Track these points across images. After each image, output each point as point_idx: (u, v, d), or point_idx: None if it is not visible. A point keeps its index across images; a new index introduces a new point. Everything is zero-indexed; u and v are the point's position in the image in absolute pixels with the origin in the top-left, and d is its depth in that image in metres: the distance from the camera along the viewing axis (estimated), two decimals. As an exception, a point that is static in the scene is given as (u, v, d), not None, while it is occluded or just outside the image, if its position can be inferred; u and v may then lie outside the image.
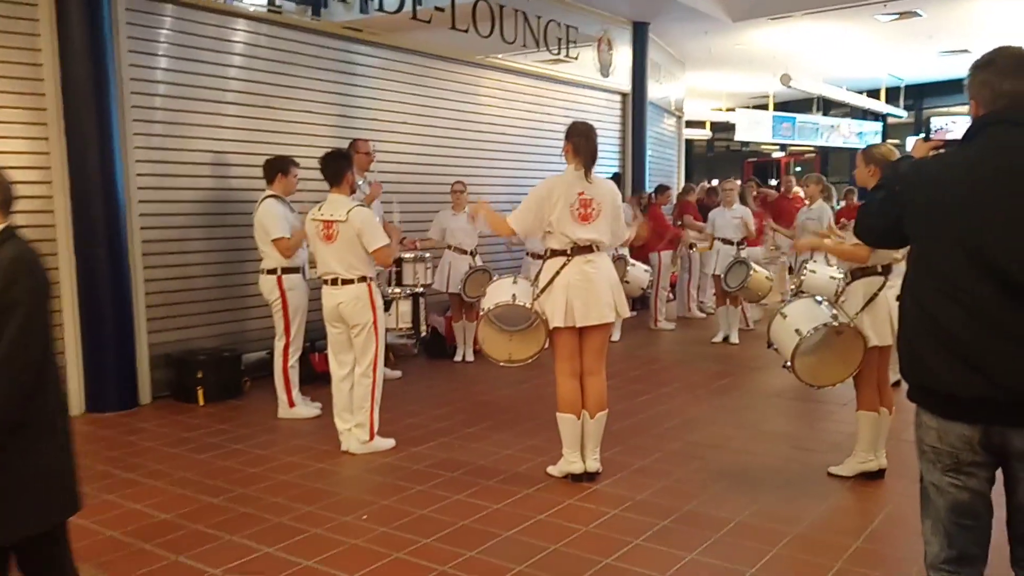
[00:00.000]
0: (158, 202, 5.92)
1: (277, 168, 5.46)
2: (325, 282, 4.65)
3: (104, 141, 5.46)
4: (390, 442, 4.73)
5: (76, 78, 5.36)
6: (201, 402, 5.74)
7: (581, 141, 4.06)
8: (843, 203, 9.29)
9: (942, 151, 2.21)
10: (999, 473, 2.01)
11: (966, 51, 12.81)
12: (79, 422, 5.42)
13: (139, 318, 5.75)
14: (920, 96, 18.12)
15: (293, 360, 5.45)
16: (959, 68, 14.67)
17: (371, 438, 4.65)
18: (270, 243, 5.30)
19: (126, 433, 5.10)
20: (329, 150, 4.84)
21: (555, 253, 4.08)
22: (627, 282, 7.03)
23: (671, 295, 9.71)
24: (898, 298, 2.15)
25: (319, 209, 4.62)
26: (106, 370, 5.56)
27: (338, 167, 4.63)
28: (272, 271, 5.36)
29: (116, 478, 4.26)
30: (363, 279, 4.59)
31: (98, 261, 5.49)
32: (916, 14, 10.83)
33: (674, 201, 10.00)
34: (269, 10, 6.55)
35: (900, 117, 17.60)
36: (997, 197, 1.88)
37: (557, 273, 4.04)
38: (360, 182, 6.13)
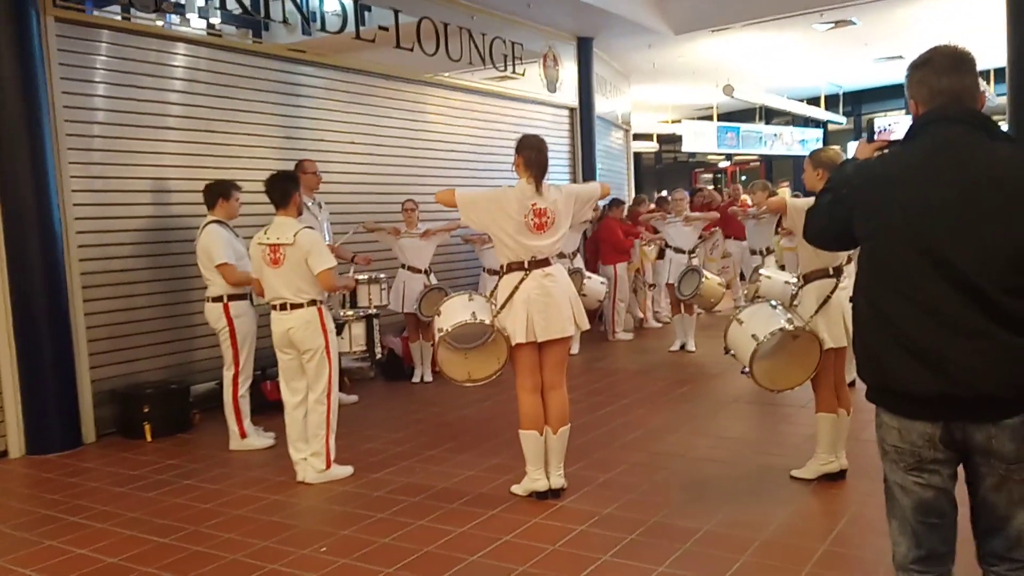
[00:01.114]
0: (97, 232, 5.72)
1: (218, 193, 5.32)
2: (273, 307, 4.52)
3: (38, 173, 5.26)
4: (348, 469, 4.60)
5: (6, 110, 5.15)
6: (148, 438, 5.52)
7: (532, 154, 4.03)
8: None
9: (886, 151, 2.22)
10: (961, 470, 2.00)
11: (900, 57, 13.21)
12: (18, 464, 5.18)
13: (80, 353, 5.52)
14: (858, 102, 18.65)
15: (243, 389, 5.28)
16: (895, 74, 15.17)
17: (328, 466, 4.51)
18: (214, 269, 5.15)
19: (70, 474, 4.88)
20: (274, 172, 4.73)
21: (512, 267, 4.04)
22: (584, 295, 7.01)
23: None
24: (851, 299, 2.14)
25: (265, 233, 4.50)
26: (46, 409, 5.32)
27: (284, 189, 4.52)
28: (218, 298, 5.21)
29: (60, 522, 4.05)
30: (313, 303, 4.48)
31: (34, 296, 5.26)
32: (851, 22, 11.13)
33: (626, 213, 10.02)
34: (209, 33, 6.41)
35: (840, 123, 18.08)
36: (943, 195, 1.89)
37: (516, 288, 3.99)
38: (309, 203, 6.02)
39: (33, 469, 5.05)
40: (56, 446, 5.33)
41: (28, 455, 5.29)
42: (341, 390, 5.50)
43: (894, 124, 16.85)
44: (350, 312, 5.40)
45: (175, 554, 3.58)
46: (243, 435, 5.26)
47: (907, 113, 2.10)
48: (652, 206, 10.02)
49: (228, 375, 5.26)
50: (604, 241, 8.83)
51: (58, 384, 5.35)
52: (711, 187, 8.53)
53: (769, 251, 8.00)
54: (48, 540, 3.81)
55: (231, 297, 5.19)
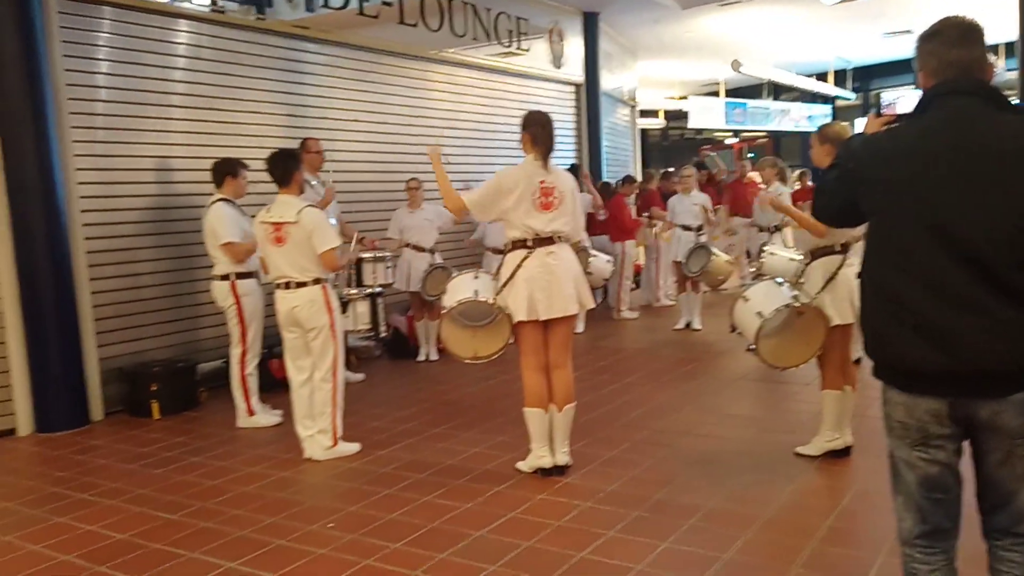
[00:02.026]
0: (102, 211, 5.72)
1: (225, 171, 5.31)
2: (278, 286, 4.52)
3: (42, 152, 5.24)
4: (355, 446, 4.63)
5: (9, 88, 5.14)
6: (156, 416, 5.56)
7: (538, 130, 4.01)
8: (798, 185, 9.37)
9: (894, 125, 2.19)
10: (967, 445, 2.00)
11: (909, 31, 13.04)
12: (27, 442, 5.22)
13: (87, 332, 5.54)
14: (867, 77, 18.43)
15: (251, 367, 5.31)
16: (904, 48, 14.98)
17: (334, 443, 4.54)
18: (221, 248, 5.15)
19: (78, 452, 4.92)
20: (275, 150, 4.71)
21: (516, 245, 4.02)
22: (590, 273, 7.00)
23: (634, 284, 9.72)
24: (858, 276, 2.13)
25: (268, 211, 4.49)
26: (54, 388, 5.35)
27: (286, 167, 4.50)
28: (225, 277, 5.22)
29: (69, 499, 4.09)
30: (317, 281, 4.47)
31: (40, 275, 5.27)
32: (860, -4, 10.97)
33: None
34: (212, 10, 6.36)
35: (848, 99, 17.89)
36: (952, 168, 1.87)
37: (519, 266, 3.97)
38: (313, 182, 6.00)
39: (41, 447, 5.09)
40: (64, 424, 5.37)
41: (36, 433, 5.34)
42: (347, 369, 5.52)
43: (900, 98, 16.66)
44: (354, 291, 5.42)
45: (183, 530, 3.62)
46: (251, 412, 5.29)
47: (916, 88, 2.08)
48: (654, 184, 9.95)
49: (235, 353, 5.28)
50: (612, 218, 8.79)
51: (65, 363, 5.38)
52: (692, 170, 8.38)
53: (777, 228, 7.97)
54: (57, 517, 3.85)
55: (238, 275, 5.20)
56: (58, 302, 5.34)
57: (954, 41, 1.97)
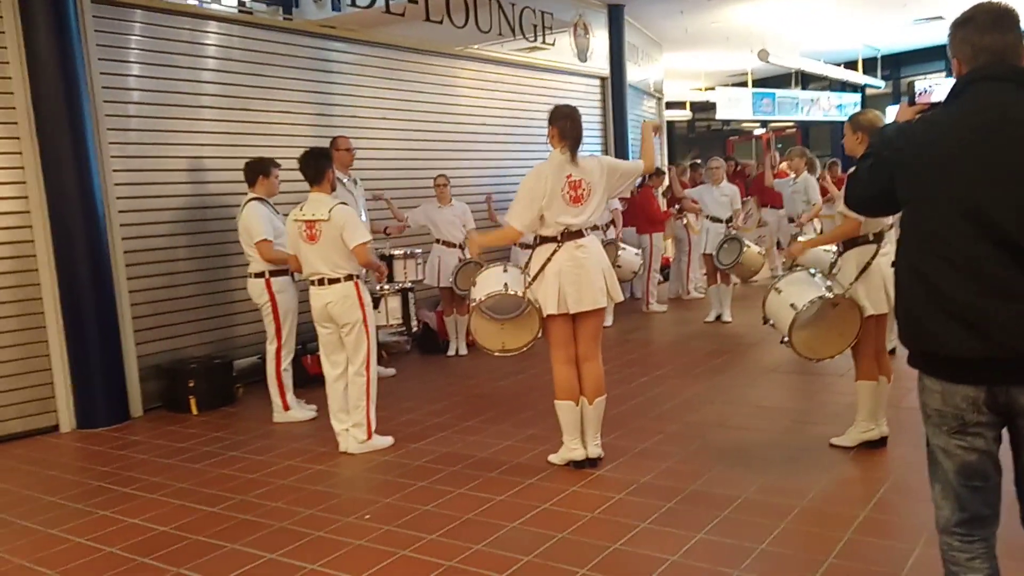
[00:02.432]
0: (138, 211, 5.83)
1: (258, 170, 5.38)
2: (311, 283, 4.59)
3: (79, 153, 5.36)
4: (388, 440, 4.69)
5: (46, 91, 5.26)
6: (194, 411, 5.67)
7: (566, 124, 4.00)
8: (827, 174, 9.27)
9: (928, 112, 2.18)
10: (1005, 433, 1.98)
11: (940, 18, 12.82)
12: (69, 438, 5.35)
13: (126, 330, 5.66)
14: (897, 65, 18.15)
15: (286, 363, 5.38)
16: (934, 35, 14.74)
17: (369, 437, 4.60)
18: (255, 246, 5.23)
19: (119, 447, 5.03)
20: (307, 149, 4.77)
21: (545, 240, 4.03)
22: (618, 266, 7.01)
23: (661, 277, 9.68)
24: (893, 264, 2.12)
25: (301, 209, 4.56)
26: (95, 385, 5.48)
27: (318, 166, 4.56)
28: (260, 274, 5.30)
29: (112, 493, 4.19)
30: (349, 277, 4.53)
31: (80, 275, 5.40)
32: (890, -18, 10.82)
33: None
34: (240, 11, 6.46)
35: (878, 87, 17.62)
36: (987, 154, 1.86)
37: (548, 260, 3.99)
38: (344, 180, 6.07)
39: (83, 443, 5.22)
40: (104, 420, 5.49)
41: (78, 429, 5.46)
42: (379, 364, 5.58)
43: (935, 86, 16.37)
44: (385, 286, 5.47)
45: (224, 523, 3.69)
46: (286, 408, 5.37)
47: (948, 75, 2.08)
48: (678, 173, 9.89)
49: (271, 349, 5.36)
50: (640, 211, 8.76)
51: (105, 360, 5.50)
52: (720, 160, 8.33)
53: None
54: (101, 510, 3.95)
55: (273, 273, 5.27)
56: (97, 301, 5.46)
57: (987, 27, 1.96)
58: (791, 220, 8.17)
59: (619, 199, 8.37)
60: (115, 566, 3.31)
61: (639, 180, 8.72)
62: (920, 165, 1.96)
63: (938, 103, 2.14)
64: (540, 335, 4.17)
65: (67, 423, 5.46)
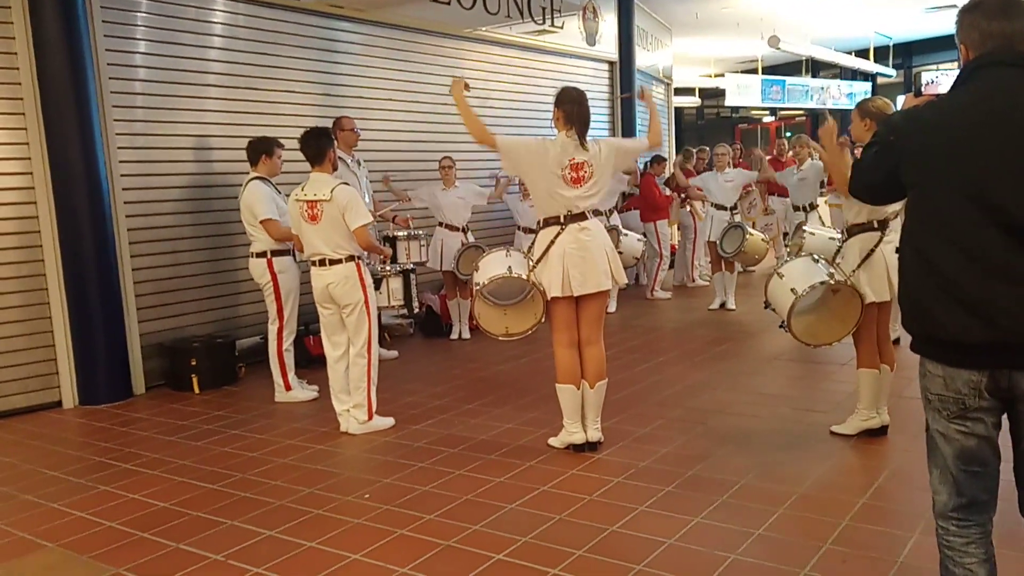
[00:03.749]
0: (143, 189, 5.83)
1: (261, 150, 5.37)
2: (313, 263, 4.58)
3: (84, 131, 5.36)
4: (389, 421, 4.70)
5: (52, 69, 5.25)
6: (196, 390, 5.69)
7: (573, 108, 3.97)
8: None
9: (934, 99, 2.17)
10: (1005, 420, 1.98)
11: (952, 6, 12.66)
12: (72, 414, 5.38)
13: (129, 308, 5.68)
14: (908, 54, 18.02)
15: (288, 343, 5.39)
16: (946, 24, 14.56)
17: (370, 417, 4.61)
18: (258, 225, 5.23)
19: (121, 424, 5.06)
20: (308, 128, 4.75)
21: (548, 222, 4.02)
22: (620, 252, 6.97)
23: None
24: (897, 250, 2.11)
25: (302, 189, 4.55)
26: (98, 362, 5.50)
27: (319, 145, 4.54)
28: (262, 254, 5.30)
29: (113, 469, 4.22)
30: (351, 258, 4.53)
31: (84, 252, 5.41)
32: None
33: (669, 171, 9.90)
34: (246, -11, 6.42)
35: (889, 76, 17.50)
36: (995, 139, 1.85)
37: (552, 242, 3.98)
38: (348, 160, 6.05)
39: (86, 419, 5.24)
40: (107, 397, 5.52)
41: (81, 405, 5.50)
42: (381, 346, 5.59)
43: (940, 77, 16.26)
44: (388, 267, 5.47)
45: (224, 500, 3.71)
46: (288, 387, 5.38)
47: (959, 64, 2.06)
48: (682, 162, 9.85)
49: (273, 329, 5.37)
50: (643, 198, 8.73)
51: (108, 338, 5.52)
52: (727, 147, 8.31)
53: (813, 207, 7.86)
54: (103, 486, 3.97)
55: (275, 252, 5.28)
56: (101, 280, 5.47)
57: (995, 13, 1.95)
58: (796, 208, 8.12)
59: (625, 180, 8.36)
60: (115, 540, 3.34)
61: (642, 167, 8.75)
62: (927, 150, 1.95)
63: (944, 94, 2.13)
64: (543, 319, 4.17)
65: (70, 399, 5.49)
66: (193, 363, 5.72)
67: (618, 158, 4.11)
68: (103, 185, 5.47)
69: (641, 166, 9.45)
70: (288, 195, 4.75)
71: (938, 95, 2.26)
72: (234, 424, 4.91)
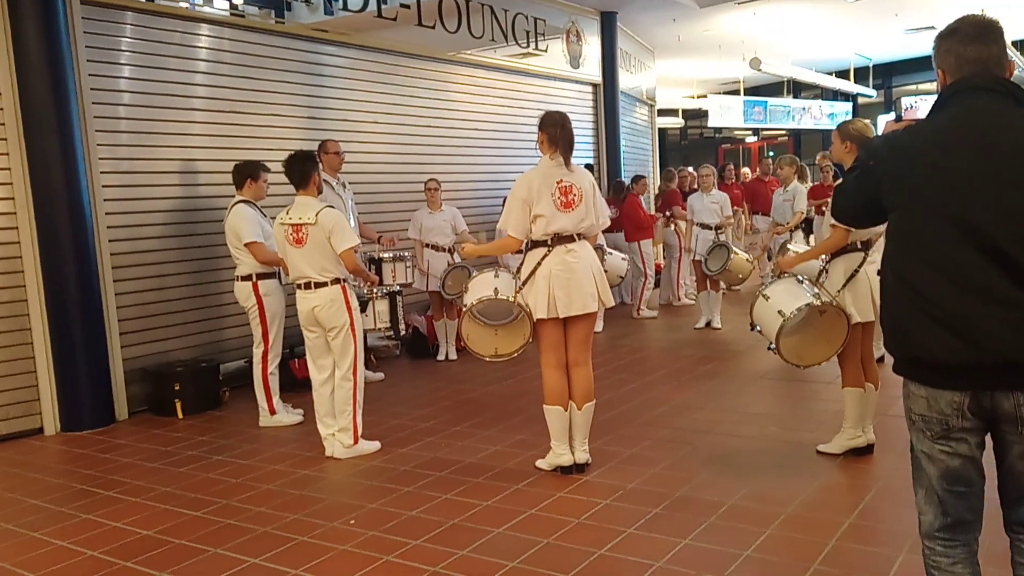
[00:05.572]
0: (126, 213, 5.80)
1: (246, 174, 5.36)
2: (298, 287, 4.57)
3: (67, 155, 5.33)
4: (375, 445, 4.66)
5: (34, 92, 5.23)
6: (180, 415, 5.63)
7: (556, 130, 4.00)
8: (821, 176, 9.25)
9: (913, 124, 2.20)
10: (989, 440, 1.99)
11: (931, 27, 12.90)
12: (54, 441, 5.31)
13: (112, 333, 5.62)
14: (888, 75, 18.30)
15: (272, 367, 5.36)
16: (926, 45, 14.78)
17: (355, 442, 4.58)
18: (243, 248, 5.21)
19: (103, 450, 4.99)
20: (291, 152, 4.74)
21: (535, 244, 4.03)
22: (605, 270, 6.98)
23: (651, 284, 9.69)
24: (879, 272, 2.13)
25: (287, 213, 4.54)
26: (80, 387, 5.43)
27: (303, 169, 4.54)
28: (247, 277, 5.28)
29: (95, 496, 4.16)
30: (336, 281, 4.51)
31: (66, 277, 5.35)
32: (880, -8, 10.89)
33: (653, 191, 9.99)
34: (231, 14, 6.43)
35: (870, 96, 17.76)
36: (972, 163, 1.88)
37: (538, 264, 3.99)
38: (333, 183, 6.05)
39: (68, 445, 5.17)
40: (90, 423, 5.45)
41: (63, 432, 5.42)
42: (367, 368, 5.55)
43: (918, 102, 16.53)
44: (375, 290, 5.45)
45: (207, 527, 3.66)
46: (272, 412, 5.34)
47: (938, 88, 2.09)
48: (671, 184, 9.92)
49: (258, 353, 5.34)
50: (626, 218, 8.77)
51: (91, 363, 5.46)
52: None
53: (797, 227, 7.92)
54: (84, 514, 3.91)
55: (260, 276, 5.25)
56: (83, 304, 5.42)
57: (972, 38, 1.98)
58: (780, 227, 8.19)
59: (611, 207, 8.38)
60: (97, 570, 3.28)
61: (624, 192, 8.83)
62: (906, 174, 1.97)
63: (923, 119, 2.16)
64: (531, 340, 4.17)
65: (51, 426, 5.42)
66: (177, 388, 5.66)
67: (596, 200, 4.10)
68: (86, 209, 5.43)
69: (627, 183, 9.52)
70: (274, 218, 4.74)
71: (917, 120, 2.30)
72: (218, 449, 4.86)
